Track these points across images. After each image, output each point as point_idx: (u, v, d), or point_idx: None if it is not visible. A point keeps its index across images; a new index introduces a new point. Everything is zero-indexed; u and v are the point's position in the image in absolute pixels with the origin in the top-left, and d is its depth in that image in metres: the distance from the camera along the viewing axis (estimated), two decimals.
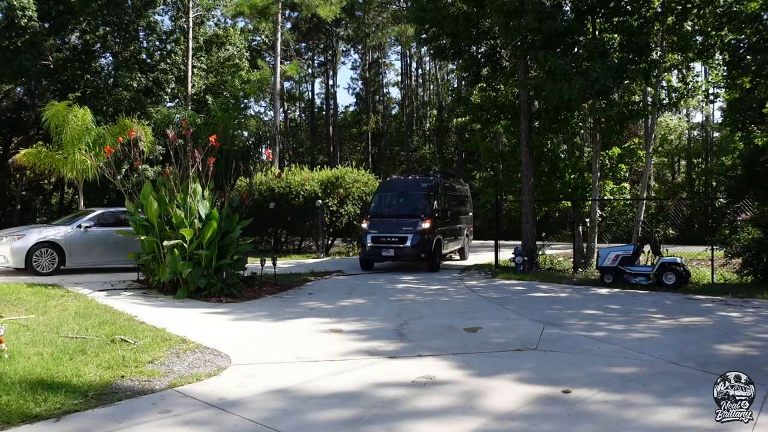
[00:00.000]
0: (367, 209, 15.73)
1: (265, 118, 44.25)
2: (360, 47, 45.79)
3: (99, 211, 13.64)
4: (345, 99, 74.86)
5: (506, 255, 15.44)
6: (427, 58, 44.71)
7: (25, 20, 23.39)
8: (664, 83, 14.85)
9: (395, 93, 52.39)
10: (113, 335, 6.54)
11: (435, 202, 14.75)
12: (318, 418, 4.25)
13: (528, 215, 14.74)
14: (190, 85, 26.03)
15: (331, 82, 47.93)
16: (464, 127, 31.57)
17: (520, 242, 15.03)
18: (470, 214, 19.20)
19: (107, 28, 26.65)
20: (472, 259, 17.86)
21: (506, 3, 13.10)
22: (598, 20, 14.23)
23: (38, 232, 12.53)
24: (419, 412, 4.39)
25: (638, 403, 4.52)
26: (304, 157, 45.93)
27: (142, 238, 10.07)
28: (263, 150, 22.76)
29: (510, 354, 6.10)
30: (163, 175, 10.68)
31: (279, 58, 30.92)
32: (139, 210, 10.39)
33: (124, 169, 21.64)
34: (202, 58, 28.58)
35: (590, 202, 14.81)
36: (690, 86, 14.12)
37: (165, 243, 9.65)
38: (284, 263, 15.64)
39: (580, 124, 15.60)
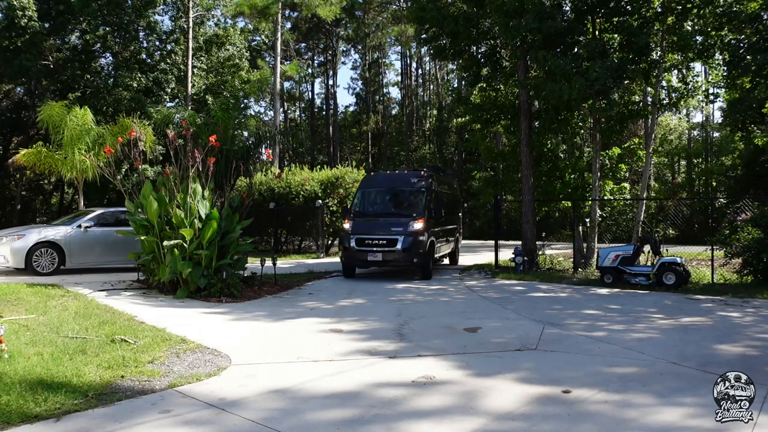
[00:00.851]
0: (349, 207, 13.89)
1: (265, 118, 44.27)
2: (360, 47, 45.82)
3: (99, 211, 13.64)
4: (345, 99, 75.04)
5: (506, 255, 15.43)
6: (427, 58, 44.76)
7: (25, 20, 23.38)
8: (664, 83, 14.85)
9: (395, 93, 52.49)
10: (113, 335, 6.54)
11: (428, 200, 13.04)
12: (318, 418, 4.25)
13: (528, 215, 14.74)
14: (190, 85, 26.03)
15: (331, 82, 48.00)
16: (464, 127, 31.59)
17: (520, 242, 15.03)
18: (460, 213, 17.64)
19: (107, 28, 26.64)
20: (472, 259, 17.84)
21: (506, 3, 13.10)
22: (598, 20, 14.23)
23: (38, 232, 12.53)
24: (419, 412, 4.39)
25: (638, 403, 4.52)
26: (304, 157, 45.95)
27: (142, 238, 10.07)
28: (263, 150, 22.77)
29: (510, 354, 6.10)
30: (163, 175, 10.68)
31: (279, 58, 30.93)
32: (139, 210, 10.39)
33: (124, 169, 21.64)
34: (202, 58, 28.59)
35: (590, 202, 14.81)
36: (690, 86, 14.12)
37: (165, 243, 9.65)
38: (284, 263, 15.64)
39: (580, 124, 15.60)
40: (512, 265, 14.20)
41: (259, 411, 4.37)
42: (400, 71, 49.32)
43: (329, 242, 20.77)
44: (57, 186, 32.73)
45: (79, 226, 12.73)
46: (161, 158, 21.98)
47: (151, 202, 9.76)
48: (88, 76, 27.04)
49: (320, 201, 19.36)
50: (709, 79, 15.40)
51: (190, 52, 25.93)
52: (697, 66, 17.07)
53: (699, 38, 13.76)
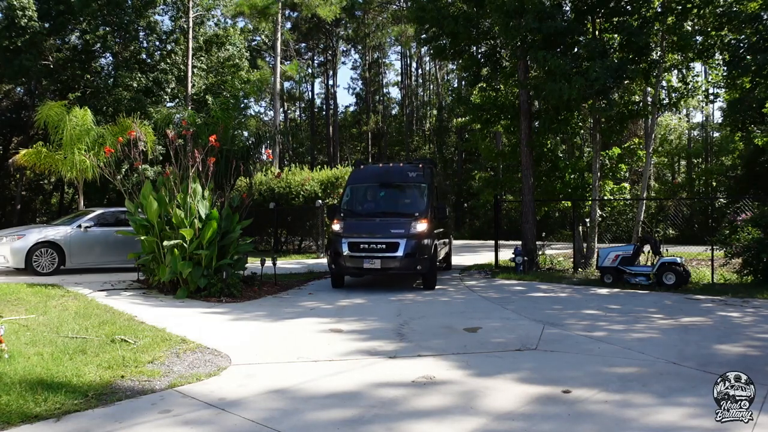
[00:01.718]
0: (338, 205, 12.00)
1: (265, 118, 44.29)
2: (360, 47, 45.83)
3: (99, 211, 13.64)
4: (345, 99, 75.02)
5: (506, 255, 15.42)
6: (427, 58, 44.75)
7: (25, 20, 23.39)
8: (664, 83, 14.84)
9: (395, 93, 52.50)
10: (113, 335, 6.54)
11: (430, 197, 11.48)
12: (318, 418, 4.25)
13: (528, 215, 14.74)
14: (190, 85, 26.03)
15: (331, 82, 48.01)
16: (464, 127, 31.61)
17: (520, 242, 15.02)
18: (448, 210, 15.01)
19: (107, 28, 26.65)
20: (472, 259, 17.84)
21: (506, 3, 13.10)
22: (598, 20, 14.23)
23: (38, 232, 12.54)
24: (419, 412, 4.38)
25: (638, 403, 4.52)
26: (304, 157, 45.94)
27: (142, 238, 10.07)
28: (263, 150, 22.75)
29: (510, 354, 6.10)
30: (163, 175, 10.68)
31: (279, 58, 30.94)
32: (139, 210, 10.40)
33: (124, 169, 21.64)
34: (202, 58, 28.59)
35: (590, 202, 14.81)
36: (690, 86, 14.11)
37: (165, 243, 9.65)
38: (284, 263, 15.63)
39: (580, 124, 15.60)
40: (512, 265, 14.19)
41: (259, 411, 4.37)
42: (400, 71, 49.40)
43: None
44: (57, 186, 32.73)
45: (79, 226, 12.74)
46: (161, 158, 21.98)
47: (151, 202, 9.76)
48: (88, 76, 27.04)
49: (320, 201, 19.36)
50: (709, 79, 15.39)
51: (190, 52, 25.94)
52: (697, 66, 17.07)
53: (699, 38, 13.75)
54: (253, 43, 39.48)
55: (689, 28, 13.67)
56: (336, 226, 11.15)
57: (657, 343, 6.55)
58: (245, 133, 23.73)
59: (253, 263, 11.90)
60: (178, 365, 5.53)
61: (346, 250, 10.71)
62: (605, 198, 15.90)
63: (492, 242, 17.60)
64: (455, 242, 19.65)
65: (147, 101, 25.10)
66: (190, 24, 25.97)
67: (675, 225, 22.53)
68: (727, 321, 7.90)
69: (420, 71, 49.84)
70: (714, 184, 30.23)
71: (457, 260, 17.84)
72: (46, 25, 25.29)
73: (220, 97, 23.84)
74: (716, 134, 34.08)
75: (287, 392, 4.83)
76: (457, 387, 4.95)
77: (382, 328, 7.38)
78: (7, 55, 23.77)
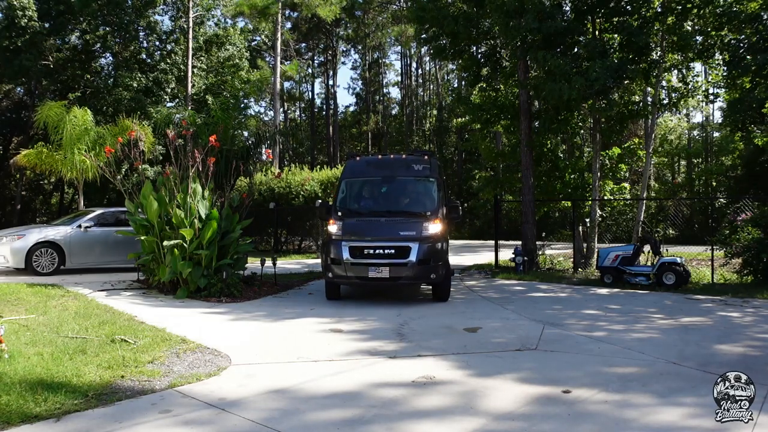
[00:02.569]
0: (333, 203, 10.17)
1: (265, 118, 44.28)
2: (360, 47, 45.83)
3: (99, 211, 13.64)
4: (345, 99, 74.96)
5: (506, 255, 15.42)
6: (427, 58, 44.78)
7: (25, 20, 23.40)
8: (664, 83, 14.85)
9: (395, 93, 52.49)
10: (113, 335, 6.54)
11: (441, 193, 9.93)
12: (318, 418, 4.25)
13: (528, 215, 14.74)
14: (190, 85, 26.03)
15: (331, 82, 48.00)
16: (464, 127, 31.60)
17: (520, 242, 15.02)
18: None
19: (107, 28, 26.67)
20: (472, 259, 17.84)
21: (506, 3, 13.10)
22: (598, 20, 14.23)
23: (38, 232, 12.54)
24: (419, 412, 4.39)
25: (638, 403, 4.52)
26: (304, 157, 45.96)
27: (142, 238, 10.07)
28: (263, 150, 22.75)
29: (510, 354, 6.10)
30: (163, 175, 10.68)
31: (279, 58, 30.93)
32: (139, 210, 10.40)
33: (124, 169, 21.64)
34: (202, 58, 28.60)
35: (590, 202, 14.81)
36: (690, 86, 14.13)
37: (165, 243, 9.65)
38: (284, 263, 15.63)
39: (580, 124, 15.60)
40: (512, 265, 14.19)
41: (259, 411, 4.37)
42: (400, 71, 49.41)
43: None
44: (57, 186, 32.74)
45: (79, 226, 12.73)
46: (161, 158, 22.00)
47: (151, 202, 9.76)
48: (88, 76, 27.06)
49: (320, 201, 19.33)
50: (709, 79, 15.39)
51: (190, 52, 25.94)
52: (697, 66, 17.07)
53: (699, 38, 13.76)
54: (253, 43, 39.47)
55: (689, 28, 13.68)
56: (332, 227, 9.46)
57: (657, 343, 6.55)
58: (245, 133, 23.75)
59: (253, 263, 11.90)
60: (178, 365, 5.53)
61: (346, 256, 9.07)
62: (605, 198, 15.91)
63: (492, 242, 17.59)
64: (455, 242, 19.65)
65: (147, 101, 25.11)
66: (190, 24, 25.97)
67: (675, 225, 22.52)
68: (727, 321, 7.90)
69: (420, 71, 49.88)
70: (714, 184, 30.23)
71: (457, 260, 17.82)
72: (46, 25, 25.31)
73: (220, 97, 23.85)
74: (716, 134, 34.08)
75: (287, 392, 4.83)
76: (457, 387, 4.95)
77: (382, 328, 7.38)
78: (7, 55, 23.78)
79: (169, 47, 27.68)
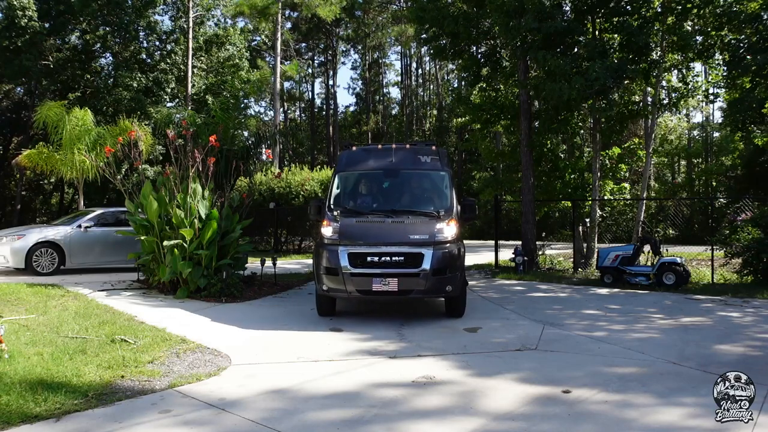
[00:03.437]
0: (326, 200, 8.40)
1: (265, 118, 44.24)
2: (360, 47, 45.84)
3: (99, 211, 13.63)
4: (345, 99, 75.04)
5: (506, 255, 15.42)
6: (427, 58, 44.77)
7: (25, 20, 23.41)
8: (664, 83, 14.85)
9: (395, 93, 52.50)
10: (113, 335, 6.54)
11: (453, 190, 8.47)
12: (318, 418, 4.25)
13: (528, 215, 14.74)
14: (190, 85, 26.04)
15: (331, 82, 48.03)
16: (464, 127, 31.59)
17: (520, 242, 15.02)
18: None
19: (107, 28, 26.68)
20: (472, 259, 17.77)
21: (506, 3, 13.10)
22: (598, 20, 14.23)
23: (38, 232, 12.53)
24: (419, 412, 4.39)
25: (638, 403, 4.52)
26: (304, 157, 45.96)
27: (142, 238, 10.06)
28: (263, 150, 22.74)
29: (510, 354, 6.10)
30: (163, 175, 10.67)
31: (279, 58, 30.93)
32: (139, 210, 10.39)
33: (124, 169, 21.61)
34: (202, 58, 28.62)
35: (590, 202, 14.81)
36: (690, 86, 14.12)
37: (165, 243, 9.64)
38: (284, 263, 15.63)
39: (580, 124, 15.61)
40: (512, 265, 14.19)
41: (259, 411, 4.37)
42: (400, 71, 49.41)
43: None
44: (57, 186, 32.76)
45: (79, 226, 12.73)
46: (161, 158, 21.99)
47: (151, 202, 9.76)
48: (88, 76, 27.06)
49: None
50: (709, 79, 15.40)
51: (190, 52, 25.95)
52: (697, 66, 17.08)
53: (699, 38, 13.76)
54: (253, 43, 39.49)
55: (689, 28, 13.69)
56: (326, 230, 7.87)
57: (657, 343, 6.55)
58: (245, 133, 23.70)
59: (253, 263, 11.90)
60: (178, 365, 5.53)
61: (344, 265, 7.46)
62: (605, 198, 15.91)
63: (492, 242, 17.58)
64: None
65: (147, 101, 25.12)
66: (190, 24, 25.98)
67: (675, 225, 22.50)
68: (727, 321, 7.90)
69: (420, 71, 49.89)
70: (714, 184, 30.23)
71: None
72: (46, 25, 25.32)
73: (220, 97, 23.83)
74: (716, 134, 34.08)
75: (287, 392, 4.83)
76: (457, 387, 4.95)
77: (382, 329, 7.37)
78: (7, 55, 23.80)
79: (169, 47, 27.69)
